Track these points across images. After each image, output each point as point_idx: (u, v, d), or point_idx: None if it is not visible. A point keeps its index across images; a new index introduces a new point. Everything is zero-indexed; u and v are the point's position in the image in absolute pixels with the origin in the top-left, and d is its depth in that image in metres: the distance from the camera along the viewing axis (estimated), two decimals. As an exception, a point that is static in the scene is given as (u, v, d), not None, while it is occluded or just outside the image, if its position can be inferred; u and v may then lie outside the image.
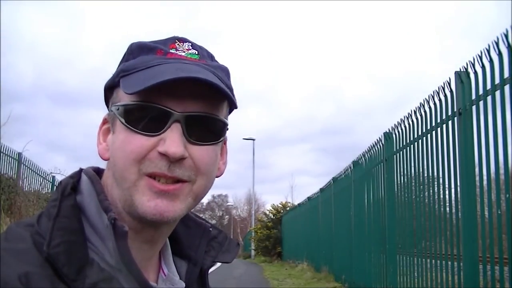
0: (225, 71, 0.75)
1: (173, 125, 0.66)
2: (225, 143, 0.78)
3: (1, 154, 9.70)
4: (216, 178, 0.75)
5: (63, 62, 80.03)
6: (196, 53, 0.73)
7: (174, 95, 0.66)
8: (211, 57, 0.76)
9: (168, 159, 0.65)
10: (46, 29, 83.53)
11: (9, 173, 9.81)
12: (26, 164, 10.98)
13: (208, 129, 0.69)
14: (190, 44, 0.74)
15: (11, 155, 10.29)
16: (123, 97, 0.69)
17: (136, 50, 0.72)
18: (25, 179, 10.94)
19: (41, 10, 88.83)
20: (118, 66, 0.74)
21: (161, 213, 0.66)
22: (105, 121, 0.74)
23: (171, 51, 0.72)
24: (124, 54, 0.74)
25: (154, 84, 0.63)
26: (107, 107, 0.76)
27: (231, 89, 0.73)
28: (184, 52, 0.72)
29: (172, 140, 0.65)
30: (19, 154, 10.62)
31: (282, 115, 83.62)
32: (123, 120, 0.67)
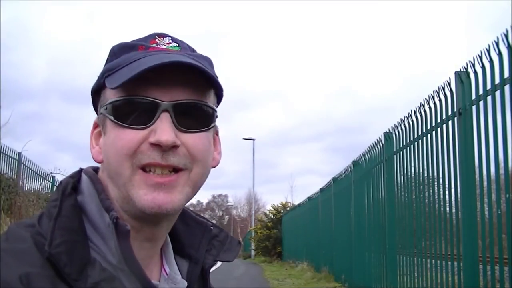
0: (208, 61, 0.74)
1: (162, 115, 0.66)
2: (217, 134, 0.78)
3: (1, 154, 9.69)
4: (212, 169, 0.75)
5: (77, 60, 79.94)
6: (177, 45, 0.73)
7: (160, 85, 0.66)
8: (193, 50, 0.75)
9: (160, 149, 0.65)
10: (60, 26, 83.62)
11: (9, 173, 9.81)
12: (26, 164, 10.97)
13: (197, 116, 0.69)
14: (171, 38, 0.74)
15: (11, 155, 10.28)
16: (110, 96, 0.69)
17: (118, 51, 0.72)
18: (25, 179, 10.94)
19: (57, 8, 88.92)
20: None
21: (159, 206, 0.66)
22: (95, 125, 0.74)
23: (152, 45, 0.72)
24: (107, 57, 0.74)
25: (137, 74, 0.63)
26: (96, 111, 0.76)
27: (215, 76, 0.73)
28: (165, 45, 0.72)
29: (162, 129, 0.65)
30: (19, 154, 10.60)
31: (296, 114, 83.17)
32: (112, 117, 0.67)
